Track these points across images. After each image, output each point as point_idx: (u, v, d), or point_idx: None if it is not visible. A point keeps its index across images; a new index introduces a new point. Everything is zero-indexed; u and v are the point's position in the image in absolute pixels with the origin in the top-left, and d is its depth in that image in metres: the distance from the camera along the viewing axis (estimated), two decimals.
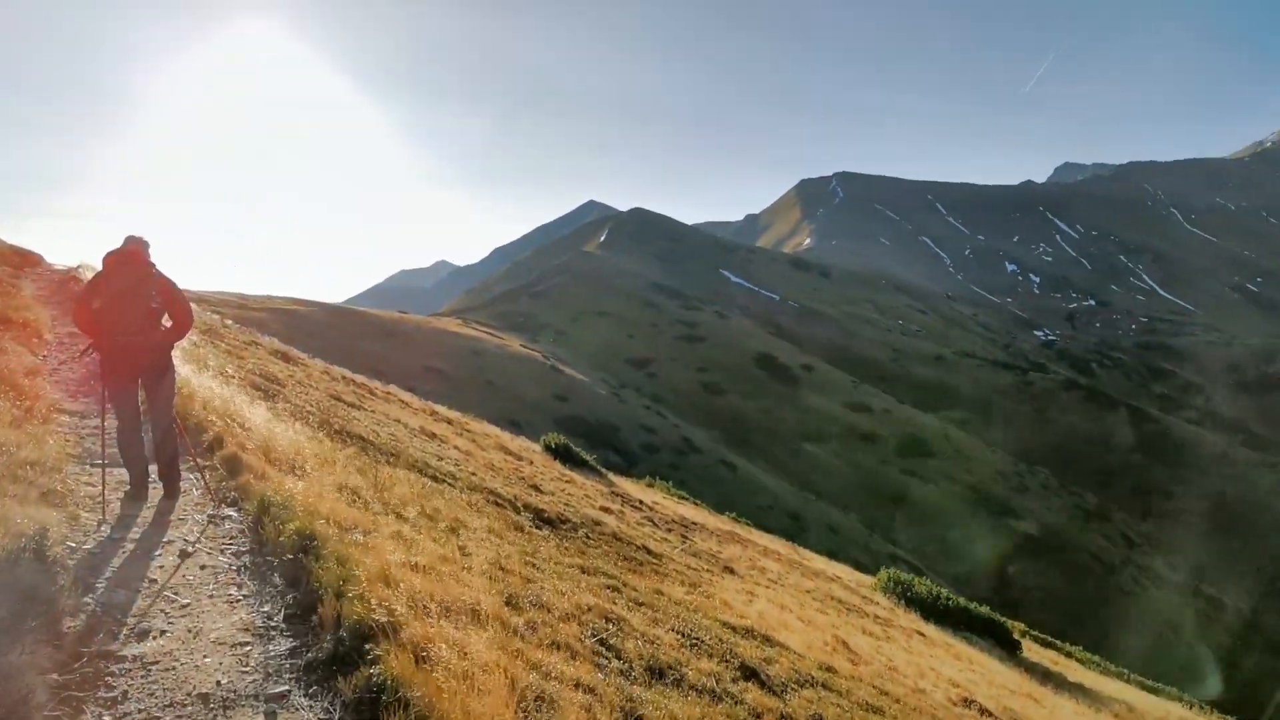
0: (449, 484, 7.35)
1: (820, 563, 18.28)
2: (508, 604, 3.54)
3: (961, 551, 64.99)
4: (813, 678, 4.69)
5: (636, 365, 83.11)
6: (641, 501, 14.10)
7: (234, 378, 8.02)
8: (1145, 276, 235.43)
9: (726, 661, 4.12)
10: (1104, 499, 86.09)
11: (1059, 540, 69.93)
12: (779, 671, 4.44)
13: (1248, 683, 58.59)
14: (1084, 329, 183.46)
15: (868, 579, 18.62)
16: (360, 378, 15.78)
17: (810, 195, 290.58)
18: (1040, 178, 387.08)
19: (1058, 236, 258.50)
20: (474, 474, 8.69)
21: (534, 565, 4.66)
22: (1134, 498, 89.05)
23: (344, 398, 11.09)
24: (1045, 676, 13.98)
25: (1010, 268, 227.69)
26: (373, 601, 3.11)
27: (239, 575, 4.11)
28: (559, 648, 3.25)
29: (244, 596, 3.85)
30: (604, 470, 18.59)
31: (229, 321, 16.04)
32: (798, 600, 9.28)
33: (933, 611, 14.91)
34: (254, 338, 14.22)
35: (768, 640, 5.36)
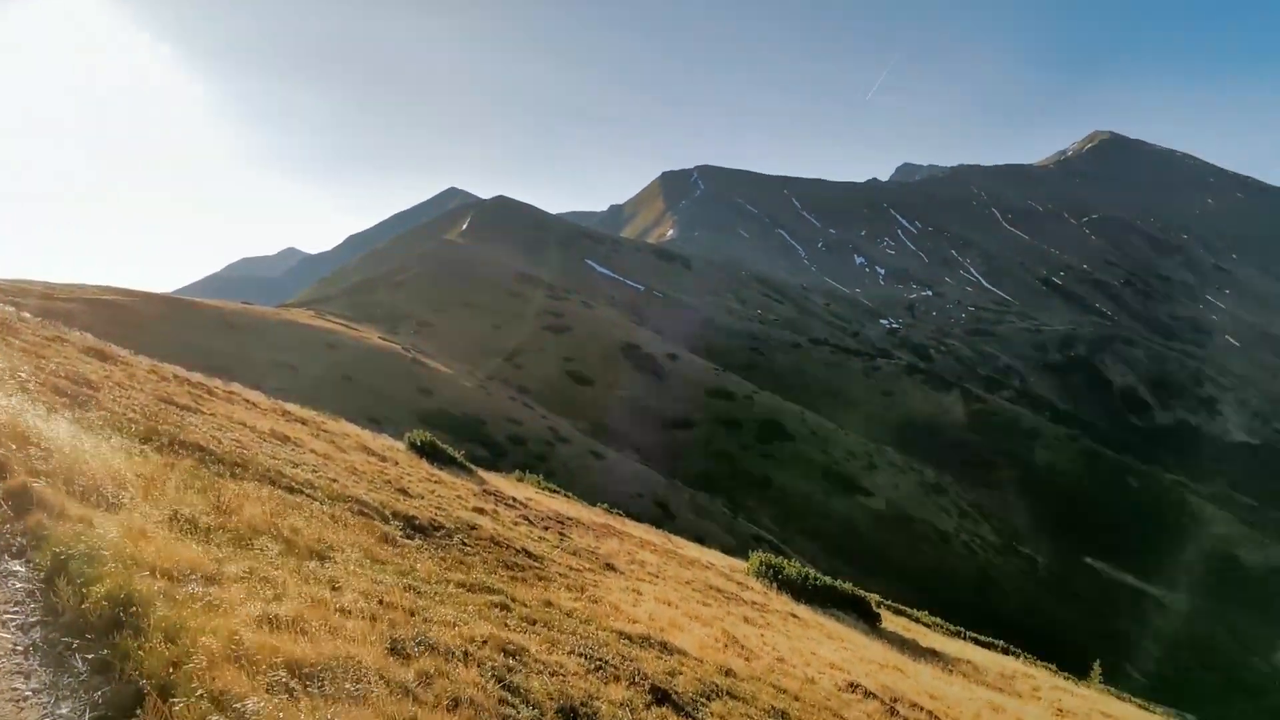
0: (308, 495, 6.55)
1: (693, 550, 18.53)
2: (393, 652, 2.94)
3: (819, 529, 68.79)
4: (716, 686, 4.53)
5: (502, 356, 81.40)
6: (515, 499, 13.60)
7: (30, 382, 6.60)
8: (972, 269, 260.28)
9: (635, 684, 3.83)
10: (940, 473, 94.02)
11: (904, 514, 75.45)
12: (685, 685, 4.23)
13: (1058, 632, 66.15)
14: (922, 317, 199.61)
15: (740, 564, 19.08)
16: (197, 376, 14.13)
17: (673, 187, 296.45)
18: (884, 176, 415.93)
19: (899, 231, 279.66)
20: (335, 480, 7.88)
21: (415, 590, 4.11)
22: (964, 470, 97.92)
23: (177, 400, 9.78)
24: (903, 644, 14.91)
25: (858, 260, 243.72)
26: (219, 694, 2.27)
27: (26, 659, 3.04)
28: (460, 705, 2.68)
29: (33, 692, 2.84)
30: (473, 467, 17.86)
31: (27, 314, 13.82)
32: (680, 594, 9.22)
33: (802, 592, 15.48)
34: (60, 333, 12.27)
35: (665, 647, 5.15)
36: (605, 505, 26.20)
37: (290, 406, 15.43)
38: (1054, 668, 26.30)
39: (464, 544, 7.22)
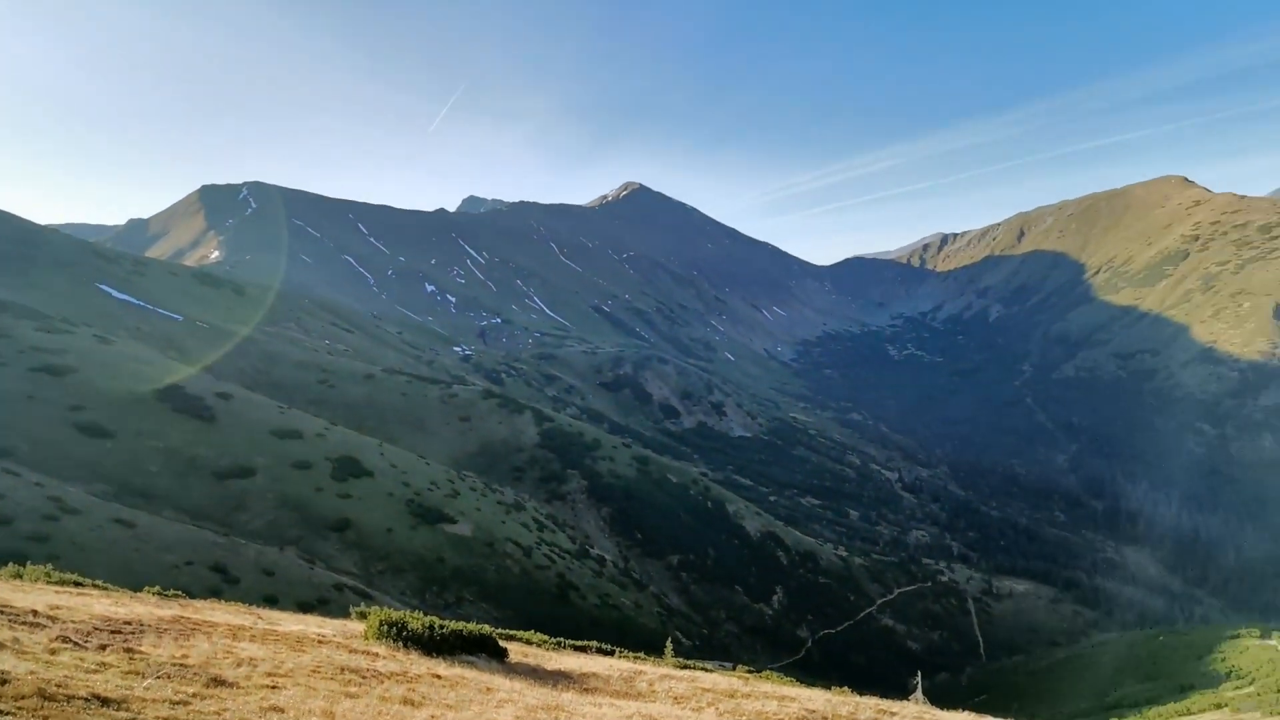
0: None
1: (293, 623, 15.73)
2: None
3: (407, 564, 66.23)
4: None
5: None
6: (35, 611, 9.66)
7: None
8: (536, 298, 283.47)
9: None
10: (518, 491, 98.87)
11: (489, 536, 77.13)
12: None
13: (627, 619, 74.67)
14: (493, 344, 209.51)
15: (353, 626, 16.85)
16: None
17: (217, 203, 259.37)
18: (451, 206, 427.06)
19: (468, 261, 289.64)
20: None
21: None
22: (539, 485, 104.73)
23: None
24: (537, 676, 14.78)
25: (429, 288, 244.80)
26: None
27: None
28: None
29: None
30: None
31: None
32: (326, 694, 7.40)
33: (431, 644, 14.26)
34: None
35: None
36: (157, 589, 20.92)
37: None
38: (641, 654, 29.18)
39: None
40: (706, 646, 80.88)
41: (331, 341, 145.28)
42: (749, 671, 32.90)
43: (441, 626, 14.91)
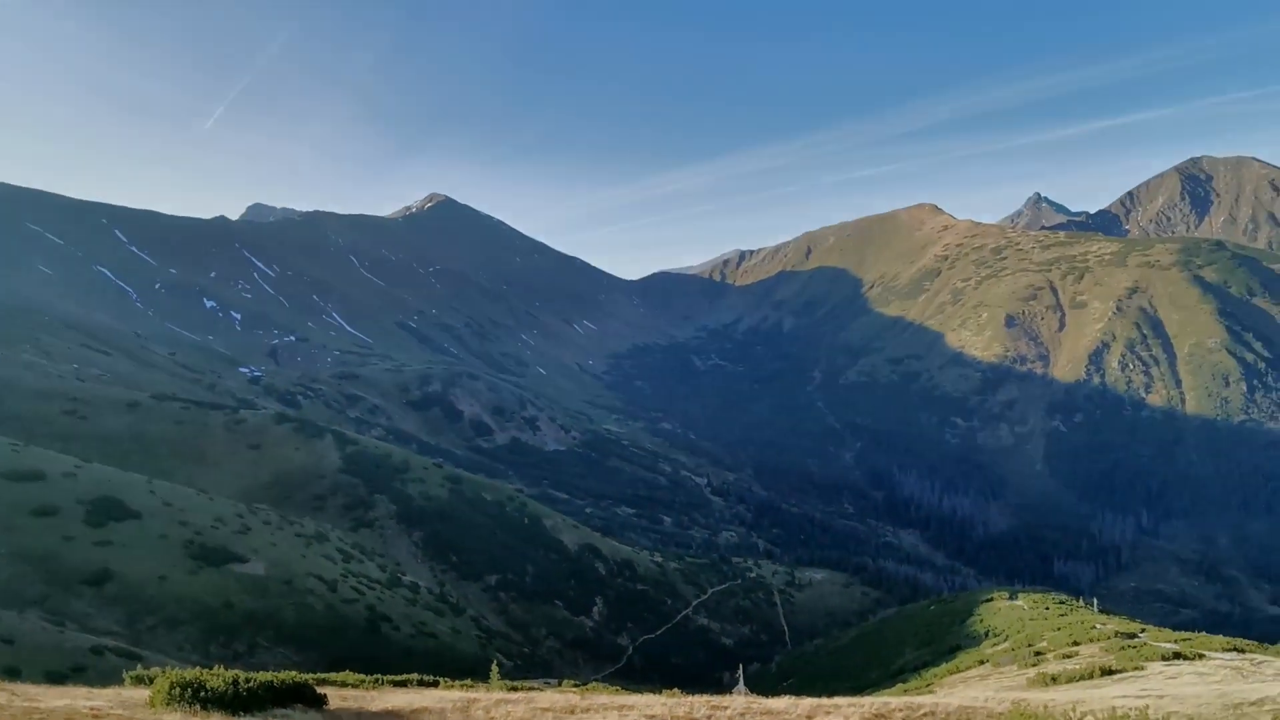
0: None
1: (56, 698, 13.13)
2: None
3: (186, 614, 58.96)
4: None
5: None
6: None
7: None
8: (335, 314, 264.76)
9: None
10: (320, 521, 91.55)
11: (286, 573, 70.84)
12: None
13: (445, 646, 71.59)
14: (287, 363, 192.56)
15: (133, 693, 14.43)
16: None
17: None
18: (234, 214, 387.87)
19: (255, 274, 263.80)
20: None
21: None
22: (344, 514, 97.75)
23: None
24: (360, 719, 13.57)
25: (209, 304, 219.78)
26: None
27: None
28: None
29: None
30: None
31: None
32: None
33: (238, 702, 12.53)
34: None
35: None
36: None
37: None
38: (468, 681, 28.05)
39: None
40: (529, 665, 79.64)
41: (82, 366, 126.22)
42: (575, 685, 32.74)
43: (248, 680, 13.09)
